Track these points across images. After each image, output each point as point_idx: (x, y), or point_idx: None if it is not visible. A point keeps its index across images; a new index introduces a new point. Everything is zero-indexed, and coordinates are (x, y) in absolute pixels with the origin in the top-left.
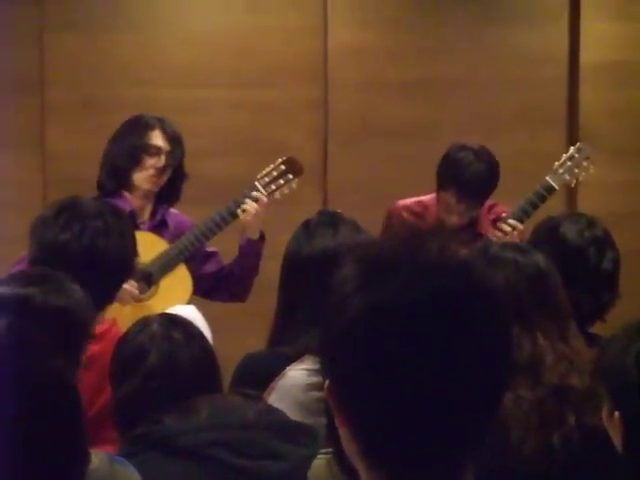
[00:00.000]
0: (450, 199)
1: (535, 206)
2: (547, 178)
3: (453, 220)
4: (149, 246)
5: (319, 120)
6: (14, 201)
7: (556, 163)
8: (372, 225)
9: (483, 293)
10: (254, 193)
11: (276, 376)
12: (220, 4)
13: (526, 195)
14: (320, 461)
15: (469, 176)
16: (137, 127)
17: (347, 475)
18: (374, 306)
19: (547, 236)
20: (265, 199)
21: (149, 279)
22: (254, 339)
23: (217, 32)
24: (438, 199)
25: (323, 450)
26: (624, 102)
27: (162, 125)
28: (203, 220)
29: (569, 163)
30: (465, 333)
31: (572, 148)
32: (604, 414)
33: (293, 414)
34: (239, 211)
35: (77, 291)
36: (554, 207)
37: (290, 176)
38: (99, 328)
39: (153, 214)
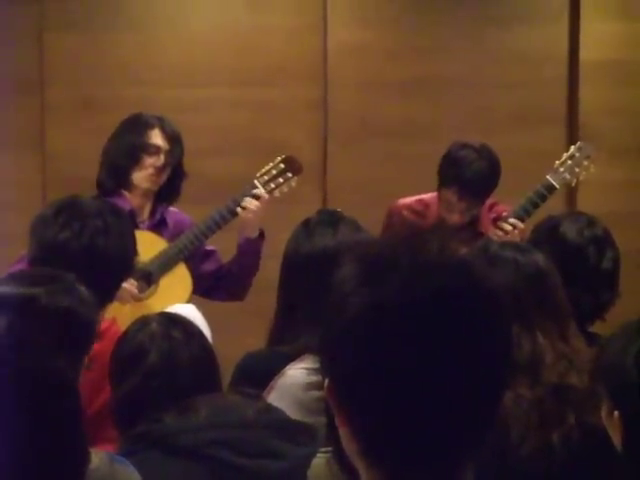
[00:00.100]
0: (451, 197)
1: (536, 205)
2: (548, 177)
3: (454, 218)
4: (148, 245)
5: (319, 119)
6: (14, 201)
7: (557, 162)
8: (372, 224)
9: (483, 292)
10: (254, 191)
11: (276, 375)
12: (220, 4)
13: (527, 194)
14: (320, 460)
15: (470, 174)
16: (136, 126)
17: (347, 474)
18: (374, 305)
19: (547, 235)
20: (265, 196)
21: (148, 278)
22: (253, 338)
23: (217, 32)
24: (439, 197)
25: (323, 449)
26: (624, 101)
27: (161, 124)
28: (202, 219)
29: (570, 162)
30: (465, 332)
31: (573, 147)
32: (603, 413)
33: (293, 413)
34: (239, 209)
35: (83, 292)
36: (554, 206)
37: (289, 175)
38: (99, 327)
39: (152, 213)
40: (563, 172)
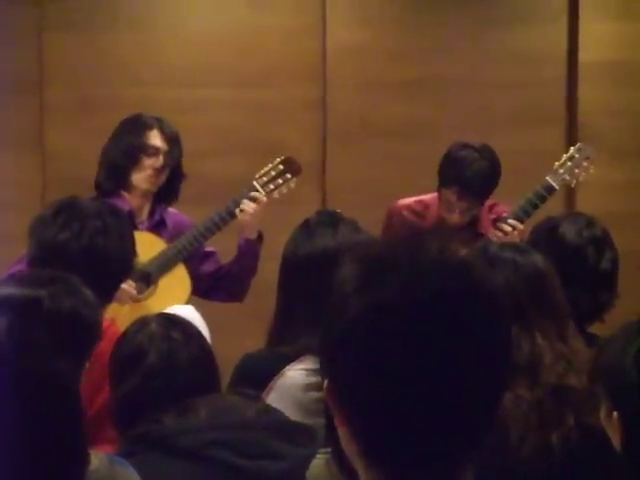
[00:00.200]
0: (451, 197)
1: (535, 206)
2: (547, 178)
3: (454, 218)
4: (147, 246)
5: (318, 120)
6: (13, 201)
7: (556, 163)
8: (371, 225)
9: (482, 293)
10: (252, 193)
11: (275, 376)
12: (219, 4)
13: (526, 195)
14: (319, 461)
15: (470, 174)
16: (135, 127)
17: (346, 475)
18: (374, 306)
19: (546, 236)
20: (264, 198)
21: (147, 279)
22: (252, 340)
23: (216, 32)
24: (439, 197)
25: (322, 450)
26: (623, 102)
27: (160, 125)
28: (202, 220)
29: (569, 163)
30: (464, 333)
31: (572, 148)
32: (602, 414)
33: (292, 414)
34: (238, 210)
35: (87, 294)
36: (553, 207)
37: (288, 176)
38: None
39: (151, 214)
40: (563, 173)
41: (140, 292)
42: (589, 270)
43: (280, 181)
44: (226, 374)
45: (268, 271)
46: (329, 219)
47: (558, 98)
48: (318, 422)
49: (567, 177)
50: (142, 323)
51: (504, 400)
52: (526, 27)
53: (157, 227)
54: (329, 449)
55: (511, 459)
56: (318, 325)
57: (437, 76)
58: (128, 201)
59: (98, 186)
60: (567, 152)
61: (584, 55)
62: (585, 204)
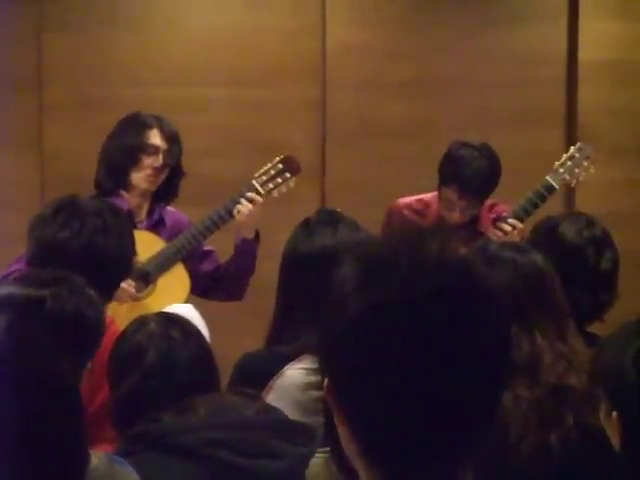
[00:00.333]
0: (451, 195)
1: (535, 205)
2: (547, 178)
3: (454, 217)
4: (147, 245)
5: (317, 119)
6: (12, 200)
7: (556, 163)
8: (370, 224)
9: (482, 292)
10: (249, 194)
11: (274, 375)
12: (218, 4)
13: (526, 194)
14: (318, 460)
15: (470, 172)
16: (135, 126)
17: (345, 474)
18: (373, 305)
19: (546, 235)
20: (260, 199)
21: (146, 278)
22: (251, 339)
23: (215, 31)
24: (439, 196)
25: (321, 449)
26: (623, 101)
27: (160, 124)
28: (200, 219)
29: (569, 163)
30: (464, 332)
31: (572, 148)
32: (602, 414)
33: (291, 413)
34: (236, 210)
35: (91, 295)
36: (553, 206)
37: (288, 175)
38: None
39: (150, 213)
40: (563, 173)
41: (139, 291)
42: (589, 270)
43: (279, 180)
44: (225, 373)
45: (267, 270)
46: (329, 218)
47: (558, 98)
48: (317, 421)
49: (567, 177)
50: (141, 322)
51: (504, 399)
52: (525, 27)
53: (156, 226)
54: (328, 448)
55: (510, 458)
56: (317, 324)
57: (436, 76)
58: (127, 200)
59: (97, 185)
60: (567, 152)
61: (584, 55)
62: (585, 204)
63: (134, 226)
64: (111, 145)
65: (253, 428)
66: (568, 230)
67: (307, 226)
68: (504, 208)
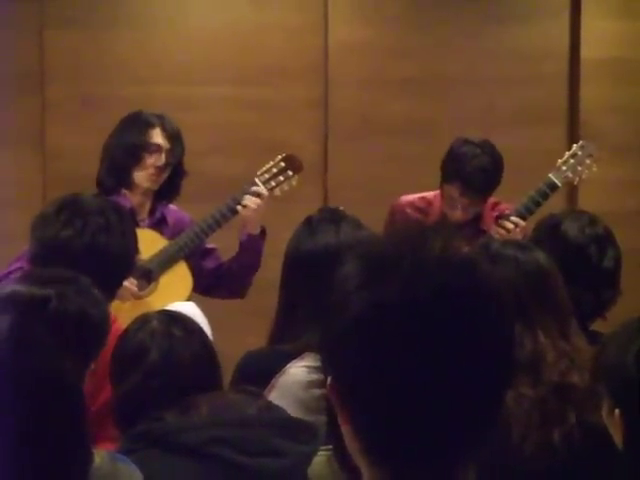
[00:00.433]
0: (454, 193)
1: (538, 203)
2: (550, 175)
3: (457, 215)
4: (149, 243)
5: (319, 117)
6: (14, 199)
7: (559, 161)
8: (372, 222)
9: (485, 291)
10: (254, 188)
11: (276, 374)
12: (220, 2)
13: (529, 192)
14: (321, 458)
15: (472, 169)
16: (137, 124)
17: (347, 472)
18: (376, 303)
19: (548, 233)
20: (266, 193)
21: (149, 276)
22: (254, 337)
23: (217, 29)
24: (442, 193)
25: (323, 447)
26: (625, 99)
27: (162, 122)
28: (203, 217)
29: (572, 161)
30: (467, 330)
31: (575, 146)
32: (604, 412)
33: (293, 411)
34: (239, 207)
35: (96, 295)
36: (555, 204)
37: (290, 173)
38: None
39: (152, 211)
40: (565, 171)
41: (141, 289)
42: (591, 268)
43: (281, 178)
44: (228, 371)
45: (270, 268)
46: (331, 216)
47: (560, 95)
48: (320, 420)
49: (570, 175)
50: (143, 320)
51: (506, 398)
52: (528, 24)
53: (158, 224)
54: (330, 446)
55: (513, 457)
56: (320, 322)
57: (439, 74)
58: (129, 199)
59: (99, 184)
60: (569, 150)
61: (586, 52)
62: (587, 202)
63: (136, 224)
64: (113, 144)
65: (255, 426)
66: (570, 228)
67: (310, 224)
68: (507, 206)
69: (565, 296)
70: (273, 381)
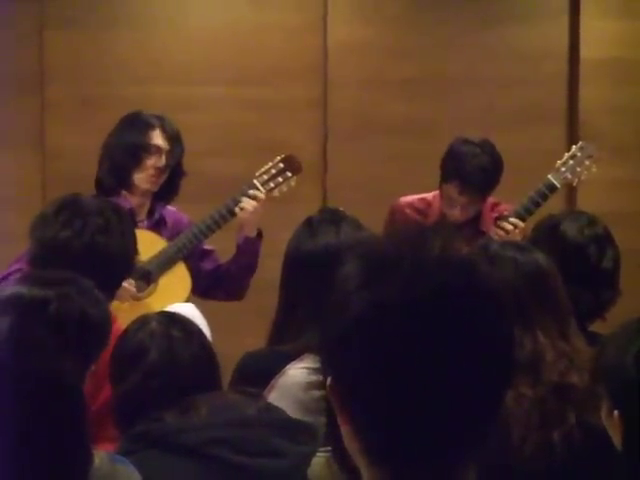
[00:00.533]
0: (452, 192)
1: (537, 204)
2: (549, 176)
3: (455, 214)
4: (148, 244)
5: (319, 118)
6: (14, 199)
7: (558, 161)
8: (372, 223)
9: (485, 291)
10: (252, 191)
11: (276, 375)
12: (220, 2)
13: (528, 193)
14: (320, 459)
15: (471, 168)
16: (136, 125)
17: (346, 473)
18: (376, 303)
19: (547, 234)
20: (263, 196)
21: (147, 277)
22: (253, 338)
23: (217, 30)
24: (441, 193)
25: (322, 448)
26: (625, 99)
27: (162, 123)
28: (201, 218)
29: (571, 162)
30: (466, 331)
31: (574, 147)
32: (603, 413)
33: (293, 412)
34: (237, 208)
35: (98, 297)
36: (554, 205)
37: (289, 174)
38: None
39: (151, 212)
40: (565, 172)
41: (140, 290)
42: (591, 268)
43: (280, 179)
44: (227, 372)
45: (269, 269)
46: (332, 217)
47: (559, 96)
48: (319, 421)
49: (569, 175)
50: (143, 321)
51: (506, 398)
52: (527, 24)
53: (157, 226)
54: (329, 447)
55: (513, 457)
56: (320, 323)
57: (438, 74)
58: (129, 200)
59: (99, 184)
60: (568, 150)
61: (585, 52)
62: (586, 202)
63: (135, 225)
64: (113, 144)
65: (255, 427)
66: (570, 228)
67: (310, 225)
68: (506, 207)
69: (564, 296)
70: (272, 382)
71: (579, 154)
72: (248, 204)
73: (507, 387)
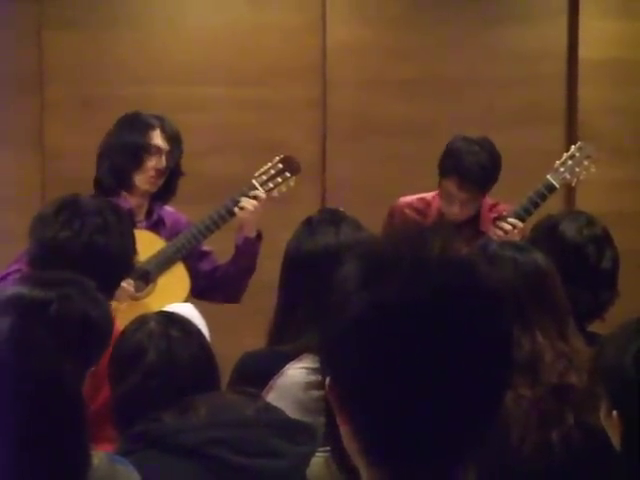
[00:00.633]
0: (451, 187)
1: (536, 205)
2: (548, 177)
3: (454, 211)
4: (147, 244)
5: (318, 118)
6: (13, 199)
7: (557, 162)
8: (371, 223)
9: (484, 291)
10: (252, 191)
11: (275, 375)
12: (218, 2)
13: (527, 194)
14: (319, 459)
15: (469, 163)
16: (136, 126)
17: (345, 473)
18: (375, 304)
19: (546, 234)
20: (263, 195)
21: (146, 277)
22: (251, 338)
23: (216, 30)
24: (440, 191)
25: (321, 448)
26: (623, 100)
27: (162, 124)
28: (200, 219)
29: (570, 162)
30: (466, 331)
31: (573, 147)
32: (602, 413)
33: (292, 413)
34: (236, 209)
35: (100, 299)
36: (553, 205)
37: (288, 174)
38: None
39: (149, 213)
40: (563, 172)
41: (139, 290)
42: (590, 269)
43: (279, 180)
44: (225, 372)
45: (268, 269)
46: (331, 217)
47: (558, 96)
48: (319, 421)
49: (568, 176)
50: (141, 321)
51: (505, 398)
52: (526, 25)
53: (156, 226)
54: (328, 447)
55: (511, 458)
56: (319, 323)
57: (437, 74)
58: (128, 200)
59: (99, 184)
60: (567, 150)
61: (584, 53)
62: (585, 202)
63: (134, 226)
64: (112, 145)
65: (254, 427)
66: (568, 229)
67: (310, 225)
68: (505, 207)
69: (563, 297)
70: (271, 382)
71: (578, 154)
72: (248, 203)
73: (506, 387)
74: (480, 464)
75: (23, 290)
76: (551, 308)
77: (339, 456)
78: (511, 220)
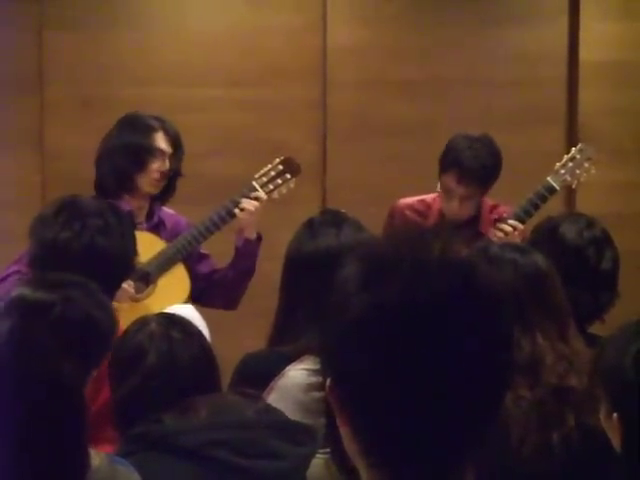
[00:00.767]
0: (450, 182)
1: (536, 206)
2: (548, 179)
3: (454, 206)
4: (147, 246)
5: (318, 119)
6: (13, 200)
7: (557, 164)
8: (371, 224)
9: (485, 293)
10: (252, 192)
11: (275, 376)
12: (219, 3)
13: (527, 195)
14: (319, 460)
15: (468, 157)
16: (138, 127)
17: (345, 475)
18: (376, 305)
19: (546, 236)
20: (264, 196)
21: (146, 278)
22: (252, 339)
23: (216, 31)
24: (440, 186)
25: (322, 450)
26: (624, 101)
27: (163, 126)
28: (201, 220)
29: (570, 164)
30: (466, 333)
31: (574, 149)
32: (602, 415)
33: (292, 414)
34: (237, 210)
35: (104, 301)
36: (553, 207)
37: (288, 176)
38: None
39: (150, 214)
40: (564, 174)
41: (139, 292)
42: (590, 270)
43: (279, 181)
44: (226, 374)
45: (268, 271)
46: (333, 219)
47: (558, 98)
48: (319, 422)
49: (568, 178)
50: (142, 323)
51: (505, 400)
52: (526, 26)
53: (156, 228)
54: (329, 449)
55: (511, 459)
56: (320, 324)
57: (437, 75)
58: (129, 202)
59: (100, 186)
60: (568, 152)
61: (585, 55)
62: (585, 204)
63: (135, 227)
64: (113, 147)
65: (254, 428)
66: (568, 230)
67: (311, 226)
68: (505, 209)
69: (563, 298)
70: (272, 383)
71: (578, 156)
72: (249, 205)
73: (506, 389)
74: (480, 465)
75: (26, 292)
76: (551, 310)
77: (339, 457)
78: (511, 222)
